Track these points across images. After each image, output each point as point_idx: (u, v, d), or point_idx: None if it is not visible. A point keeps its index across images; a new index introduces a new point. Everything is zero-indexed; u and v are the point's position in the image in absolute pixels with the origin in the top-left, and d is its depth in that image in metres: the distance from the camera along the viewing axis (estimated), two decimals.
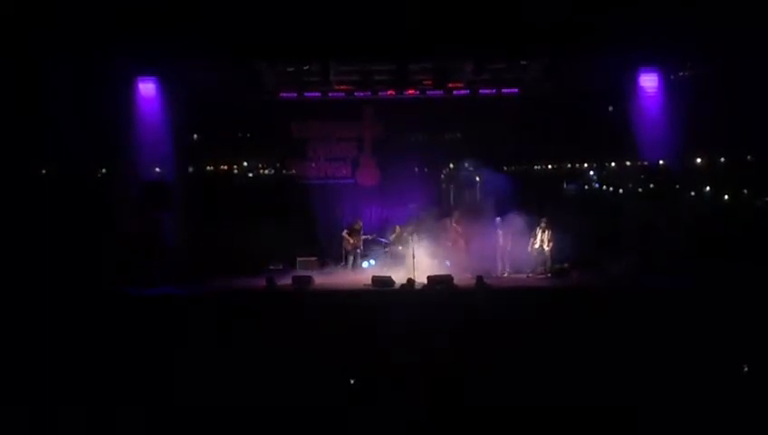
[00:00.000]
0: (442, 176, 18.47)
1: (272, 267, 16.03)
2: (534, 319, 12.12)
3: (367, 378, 9.73)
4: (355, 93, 17.30)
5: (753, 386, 9.33)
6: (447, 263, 15.87)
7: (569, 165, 18.30)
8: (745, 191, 16.15)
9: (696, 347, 10.42)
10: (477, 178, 17.68)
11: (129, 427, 8.49)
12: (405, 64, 16.16)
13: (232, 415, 8.73)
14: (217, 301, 13.66)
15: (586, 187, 18.18)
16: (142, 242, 15.29)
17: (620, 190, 17.25)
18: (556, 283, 15.02)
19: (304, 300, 14.01)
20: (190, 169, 17.68)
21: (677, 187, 16.01)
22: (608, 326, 11.60)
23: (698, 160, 16.71)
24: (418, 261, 15.11)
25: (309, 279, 15.00)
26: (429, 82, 17.06)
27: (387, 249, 16.66)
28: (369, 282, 14.72)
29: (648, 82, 15.78)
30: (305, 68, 16.28)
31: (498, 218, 15.93)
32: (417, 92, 17.32)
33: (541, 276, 15.54)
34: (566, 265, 15.55)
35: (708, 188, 16.60)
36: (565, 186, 18.25)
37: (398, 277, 14.75)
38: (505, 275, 15.84)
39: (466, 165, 18.07)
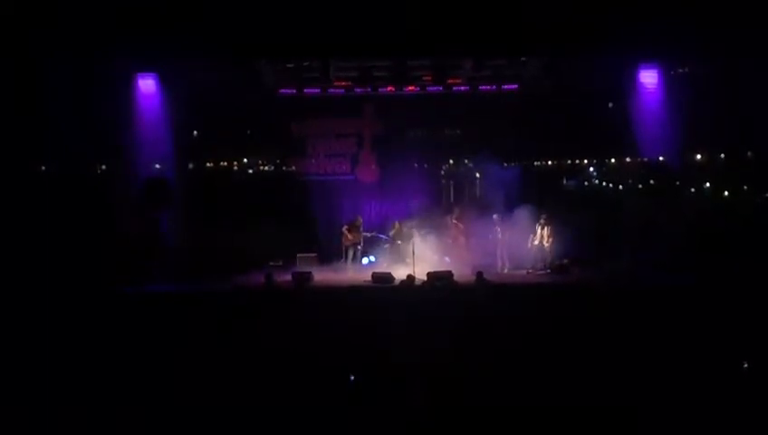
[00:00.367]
0: (442, 172, 18.45)
1: (272, 264, 16.05)
2: (534, 316, 12.14)
3: (366, 376, 9.75)
4: (355, 90, 17.28)
5: (753, 383, 9.35)
6: (447, 259, 15.90)
7: (569, 161, 18.30)
8: (745, 188, 16.16)
9: (696, 343, 10.45)
10: (477, 175, 17.68)
11: (128, 425, 8.51)
12: (404, 61, 16.13)
13: (232, 413, 8.75)
14: (217, 298, 13.68)
15: (586, 183, 18.19)
16: (142, 241, 15.31)
17: (620, 187, 17.25)
18: (556, 279, 15.04)
19: (304, 297, 14.04)
20: (190, 166, 17.68)
21: (677, 183, 16.03)
22: (608, 323, 11.63)
23: (698, 157, 16.73)
24: (418, 257, 15.14)
25: (309, 276, 15.03)
26: (429, 79, 17.05)
27: (387, 246, 16.67)
28: (369, 278, 14.75)
29: (648, 78, 15.79)
30: (305, 64, 16.28)
31: (496, 215, 15.93)
32: (417, 89, 17.30)
33: (541, 273, 15.55)
34: (566, 261, 15.53)
35: (708, 185, 16.61)
36: (565, 182, 18.26)
37: (398, 274, 14.78)
38: (505, 271, 15.84)
39: (466, 161, 18.07)
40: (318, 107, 17.61)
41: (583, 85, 16.37)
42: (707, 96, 14.48)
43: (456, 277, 14.43)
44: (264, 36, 13.75)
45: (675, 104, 15.40)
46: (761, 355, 9.91)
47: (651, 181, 16.14)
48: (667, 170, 15.89)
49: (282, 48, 14.71)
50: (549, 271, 15.50)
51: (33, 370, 10.03)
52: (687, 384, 9.11)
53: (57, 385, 9.50)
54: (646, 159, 16.19)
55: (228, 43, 13.88)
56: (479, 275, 14.40)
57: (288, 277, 14.94)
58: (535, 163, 18.33)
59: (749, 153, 15.95)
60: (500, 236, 15.91)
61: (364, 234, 16.56)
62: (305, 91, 17.24)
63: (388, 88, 17.25)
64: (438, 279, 14.28)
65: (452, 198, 17.93)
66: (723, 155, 16.58)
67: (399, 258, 16.07)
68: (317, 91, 17.28)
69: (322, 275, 15.42)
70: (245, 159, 18.56)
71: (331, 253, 16.75)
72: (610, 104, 16.76)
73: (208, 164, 18.20)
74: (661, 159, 15.90)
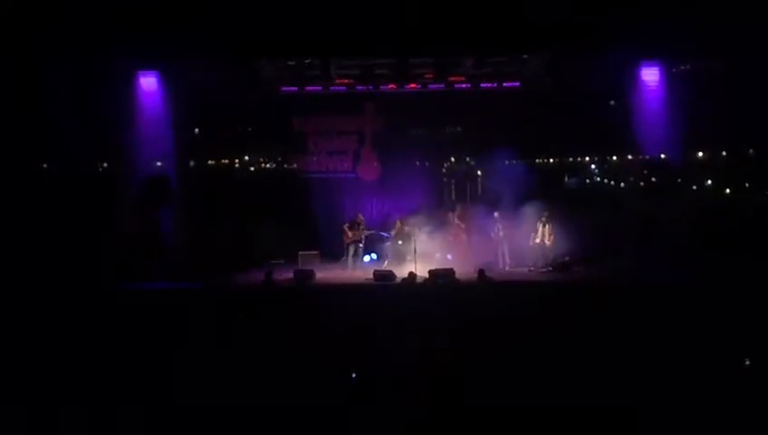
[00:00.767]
0: (443, 170, 18.46)
1: (273, 262, 16.05)
2: (536, 313, 12.11)
3: (367, 374, 9.75)
4: (356, 87, 17.25)
5: (754, 381, 9.34)
6: (449, 257, 15.90)
7: (570, 159, 18.29)
8: (747, 185, 16.15)
9: (697, 341, 10.43)
10: (479, 172, 17.67)
11: (128, 424, 8.51)
12: (406, 59, 16.12)
13: (232, 412, 8.75)
14: (217, 296, 13.68)
15: (587, 181, 18.18)
16: (143, 239, 15.32)
17: (622, 185, 17.26)
18: (557, 277, 15.04)
19: (305, 294, 14.05)
20: (191, 164, 17.68)
21: (679, 181, 16.04)
22: (609, 320, 11.61)
23: (700, 155, 16.73)
24: (420, 255, 15.14)
25: (311, 273, 15.04)
26: (430, 76, 17.01)
27: (388, 244, 16.67)
28: (371, 276, 14.76)
29: (650, 76, 15.77)
30: (306, 62, 16.28)
31: (496, 213, 15.93)
32: (419, 86, 17.26)
33: (542, 270, 15.55)
34: (567, 259, 15.54)
35: (710, 183, 16.61)
36: (567, 180, 18.25)
37: (400, 271, 14.79)
38: (507, 268, 15.85)
39: (467, 159, 18.06)
40: (319, 105, 17.60)
41: (585, 83, 16.31)
42: (709, 94, 14.46)
43: (457, 275, 14.44)
44: (265, 35, 13.77)
45: (676, 102, 15.39)
46: (762, 353, 9.89)
47: (652, 179, 16.16)
48: (668, 168, 15.89)
49: (282, 47, 14.73)
50: (550, 269, 15.50)
51: (32, 368, 10.03)
52: (688, 383, 9.08)
53: (56, 383, 9.48)
54: (647, 157, 16.19)
55: (229, 42, 13.89)
56: (481, 272, 14.42)
57: (290, 275, 14.95)
58: (537, 161, 18.31)
59: (750, 151, 15.97)
60: (501, 233, 15.93)
61: (366, 232, 16.57)
62: (306, 89, 17.20)
63: (390, 85, 17.22)
64: (440, 277, 14.30)
65: (453, 196, 17.97)
66: (724, 153, 16.60)
67: (401, 256, 16.08)
68: (318, 88, 17.25)
69: (324, 273, 15.45)
70: (246, 157, 18.58)
71: (333, 251, 16.78)
72: (612, 102, 16.75)
73: (209, 162, 18.24)
74: (662, 156, 15.89)
